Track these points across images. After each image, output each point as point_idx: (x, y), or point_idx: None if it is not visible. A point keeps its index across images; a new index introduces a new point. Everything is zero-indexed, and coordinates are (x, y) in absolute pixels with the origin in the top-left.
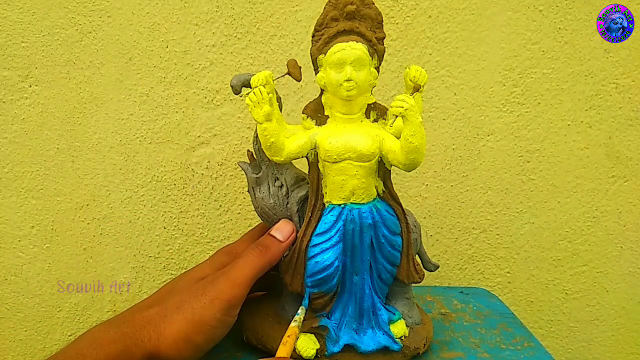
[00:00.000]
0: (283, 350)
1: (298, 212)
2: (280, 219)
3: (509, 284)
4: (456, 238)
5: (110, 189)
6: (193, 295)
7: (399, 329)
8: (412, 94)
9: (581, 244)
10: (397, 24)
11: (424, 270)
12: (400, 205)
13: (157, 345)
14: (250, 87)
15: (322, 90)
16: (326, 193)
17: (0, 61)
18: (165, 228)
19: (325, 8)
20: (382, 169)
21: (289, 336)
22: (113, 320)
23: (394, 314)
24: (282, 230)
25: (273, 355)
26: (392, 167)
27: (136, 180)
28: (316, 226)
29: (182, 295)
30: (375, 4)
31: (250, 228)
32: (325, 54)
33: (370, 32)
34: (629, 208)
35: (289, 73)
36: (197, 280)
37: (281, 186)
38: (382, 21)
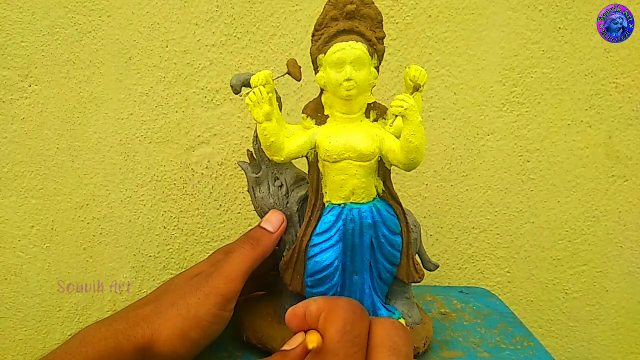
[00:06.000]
0: None
1: (298, 211)
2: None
3: (509, 283)
4: (456, 237)
5: (110, 189)
6: (187, 291)
7: None
8: (412, 93)
9: (581, 243)
10: (396, 23)
11: (423, 269)
12: (400, 205)
13: (150, 341)
14: (250, 87)
15: (321, 90)
16: (326, 193)
17: (0, 61)
18: (165, 228)
19: (325, 7)
20: (382, 169)
21: None
22: (106, 319)
23: (393, 313)
24: (272, 221)
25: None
26: (392, 167)
27: (136, 179)
28: (316, 226)
29: (176, 292)
30: (375, 4)
31: (250, 228)
32: (324, 54)
33: (370, 31)
34: (629, 208)
35: (288, 72)
36: (192, 277)
37: (281, 186)
38: (382, 20)
